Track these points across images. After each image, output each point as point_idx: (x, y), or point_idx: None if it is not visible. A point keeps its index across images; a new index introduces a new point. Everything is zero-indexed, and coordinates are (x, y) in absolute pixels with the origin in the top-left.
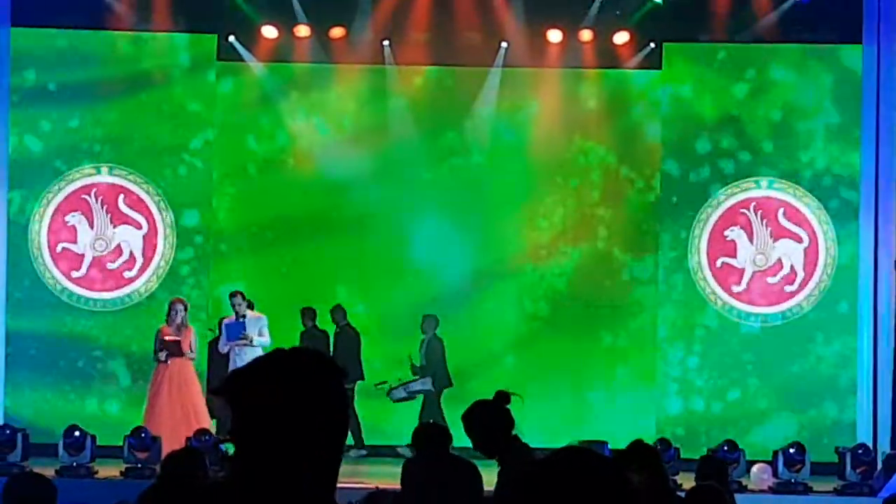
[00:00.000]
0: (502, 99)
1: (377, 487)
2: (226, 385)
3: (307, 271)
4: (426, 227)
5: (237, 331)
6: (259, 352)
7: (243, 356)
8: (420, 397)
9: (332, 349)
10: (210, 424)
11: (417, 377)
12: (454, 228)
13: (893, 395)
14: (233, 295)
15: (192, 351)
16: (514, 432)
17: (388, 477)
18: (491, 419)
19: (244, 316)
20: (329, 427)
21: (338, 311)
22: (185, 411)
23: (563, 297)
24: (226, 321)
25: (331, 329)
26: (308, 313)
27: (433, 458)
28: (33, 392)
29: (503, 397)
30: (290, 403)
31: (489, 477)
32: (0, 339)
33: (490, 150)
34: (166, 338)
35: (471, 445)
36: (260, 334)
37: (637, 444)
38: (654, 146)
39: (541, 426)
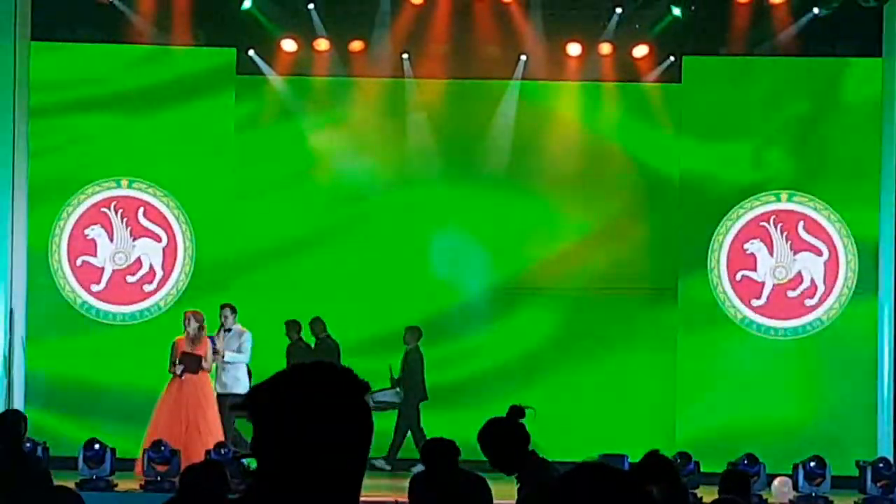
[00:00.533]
0: (521, 112)
1: (396, 501)
2: (247, 400)
3: (326, 283)
4: (444, 239)
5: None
6: (241, 367)
7: (230, 371)
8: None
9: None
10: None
11: (386, 388)
12: (472, 241)
13: None
14: (221, 307)
15: (206, 361)
16: (530, 447)
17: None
18: (506, 435)
19: (229, 329)
20: (351, 441)
21: (317, 324)
22: (189, 428)
23: (583, 309)
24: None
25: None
26: (293, 326)
27: (441, 474)
28: (53, 405)
29: (517, 412)
30: (312, 418)
31: (500, 489)
32: (20, 353)
33: (509, 163)
34: (182, 350)
35: (483, 459)
36: (239, 350)
37: (652, 456)
38: (673, 159)
39: (560, 441)
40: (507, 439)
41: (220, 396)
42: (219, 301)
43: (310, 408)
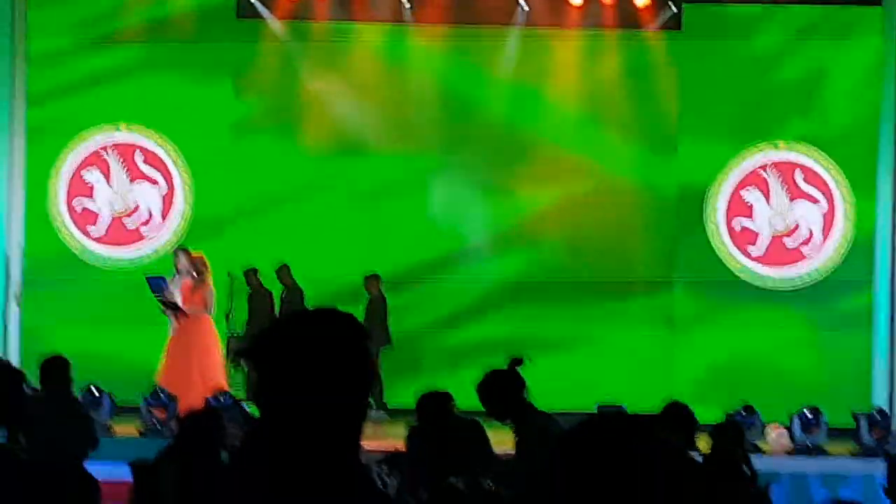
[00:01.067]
0: (521, 59)
1: (396, 449)
2: (250, 346)
3: (320, 235)
4: (444, 187)
5: (157, 285)
6: None
7: None
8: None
9: (277, 309)
10: (227, 383)
11: None
12: (472, 190)
13: None
14: (176, 250)
15: (207, 308)
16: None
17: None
18: (505, 383)
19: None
20: (353, 387)
21: (283, 270)
22: (195, 370)
23: (580, 261)
24: (150, 276)
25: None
26: (252, 273)
27: (436, 426)
28: (50, 349)
29: (515, 361)
30: (315, 364)
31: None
32: (17, 294)
33: (509, 111)
34: (189, 297)
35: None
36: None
37: (673, 407)
38: (673, 108)
39: (552, 388)
40: (503, 387)
41: None
42: (217, 246)
43: (312, 353)
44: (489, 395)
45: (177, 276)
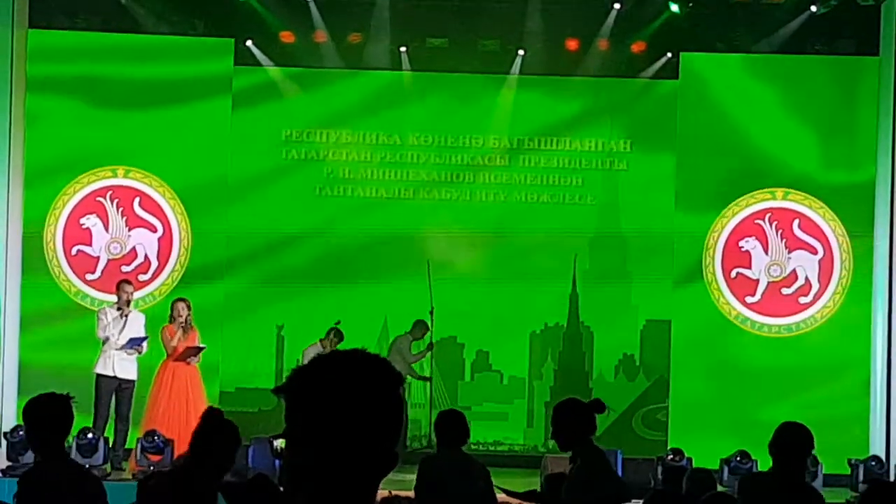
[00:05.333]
0: (519, 106)
1: (390, 493)
2: (286, 384)
3: (321, 276)
4: (440, 236)
5: (136, 343)
6: None
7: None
8: None
9: None
10: None
11: None
12: (469, 233)
13: None
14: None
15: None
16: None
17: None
18: (582, 415)
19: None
20: (383, 432)
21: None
22: (188, 414)
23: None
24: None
25: None
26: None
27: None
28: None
29: (598, 406)
30: (344, 408)
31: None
32: (14, 341)
33: (508, 159)
34: (186, 346)
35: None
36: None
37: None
38: (669, 155)
39: None
40: (581, 419)
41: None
42: (214, 291)
43: (344, 395)
44: (560, 416)
45: (174, 323)
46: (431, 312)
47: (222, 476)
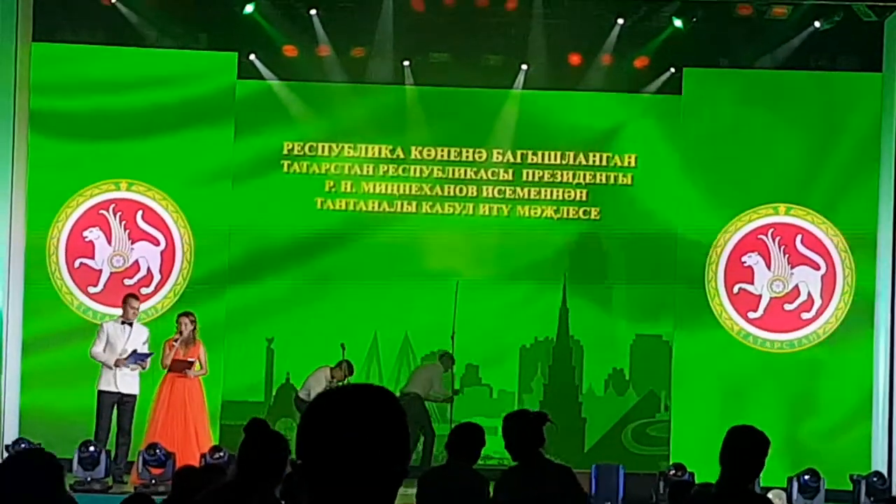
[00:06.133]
0: (522, 120)
1: None
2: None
3: (321, 292)
4: (443, 246)
5: (139, 358)
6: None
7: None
8: None
9: None
10: (212, 445)
11: None
12: (471, 248)
13: None
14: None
15: (202, 367)
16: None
17: None
18: (530, 429)
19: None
20: (388, 462)
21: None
22: (187, 427)
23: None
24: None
25: None
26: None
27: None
28: (48, 406)
29: (544, 418)
30: (352, 441)
31: None
32: (17, 353)
33: (511, 173)
34: (172, 359)
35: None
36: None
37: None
38: (672, 169)
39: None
40: (530, 431)
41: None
42: (216, 306)
43: (349, 429)
44: (510, 429)
45: (179, 337)
46: (453, 336)
47: (274, 490)
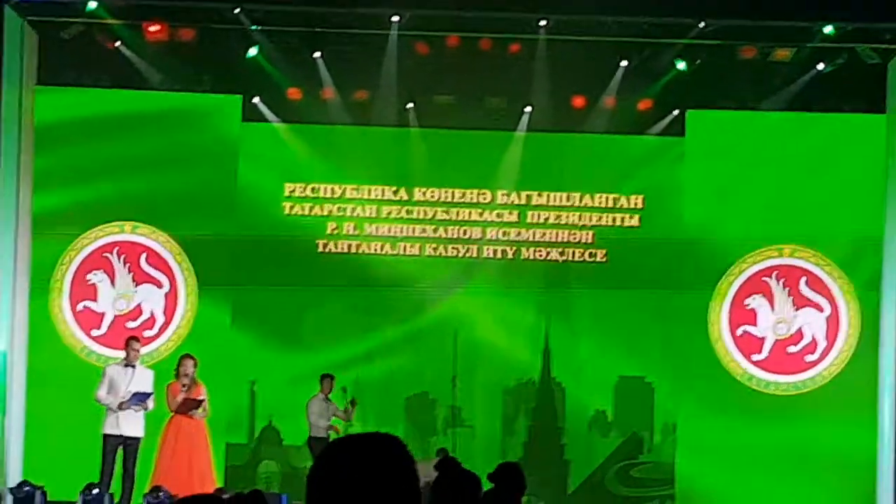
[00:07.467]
0: (526, 162)
1: None
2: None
3: (325, 336)
4: (448, 287)
5: (141, 398)
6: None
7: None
8: None
9: None
10: (216, 487)
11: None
12: (478, 290)
13: None
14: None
15: (204, 411)
16: None
17: None
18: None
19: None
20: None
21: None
22: (192, 469)
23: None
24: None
25: None
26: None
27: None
28: (52, 448)
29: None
30: (362, 489)
31: None
32: (21, 396)
33: (517, 215)
34: (185, 397)
35: None
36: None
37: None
38: (677, 211)
39: None
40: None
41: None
42: (218, 349)
43: (358, 477)
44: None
45: (179, 380)
46: (454, 380)
47: None
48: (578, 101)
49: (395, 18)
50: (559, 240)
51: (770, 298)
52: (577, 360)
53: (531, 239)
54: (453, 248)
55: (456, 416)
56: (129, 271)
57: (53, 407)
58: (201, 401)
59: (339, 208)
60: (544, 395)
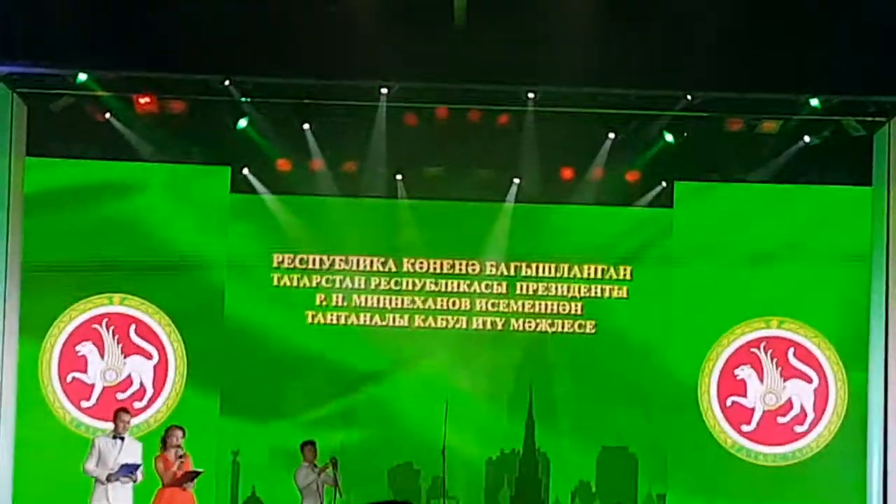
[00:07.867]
0: (515, 233)
1: None
2: None
3: (309, 407)
4: (438, 362)
5: (129, 470)
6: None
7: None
8: None
9: None
10: None
11: None
12: (467, 363)
13: None
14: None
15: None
16: None
17: None
18: None
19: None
20: None
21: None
22: None
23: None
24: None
25: None
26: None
27: None
28: None
29: None
30: None
31: None
32: (8, 468)
33: (505, 286)
34: (183, 470)
35: None
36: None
37: None
38: (666, 282)
39: None
40: None
41: None
42: (209, 421)
43: None
44: None
45: (168, 451)
46: (443, 451)
47: None
48: (567, 173)
49: (384, 90)
50: (548, 311)
51: (759, 369)
52: (560, 431)
53: (520, 310)
54: (442, 319)
55: (440, 487)
56: (119, 343)
57: (42, 478)
58: (200, 472)
59: (327, 279)
60: (528, 466)
